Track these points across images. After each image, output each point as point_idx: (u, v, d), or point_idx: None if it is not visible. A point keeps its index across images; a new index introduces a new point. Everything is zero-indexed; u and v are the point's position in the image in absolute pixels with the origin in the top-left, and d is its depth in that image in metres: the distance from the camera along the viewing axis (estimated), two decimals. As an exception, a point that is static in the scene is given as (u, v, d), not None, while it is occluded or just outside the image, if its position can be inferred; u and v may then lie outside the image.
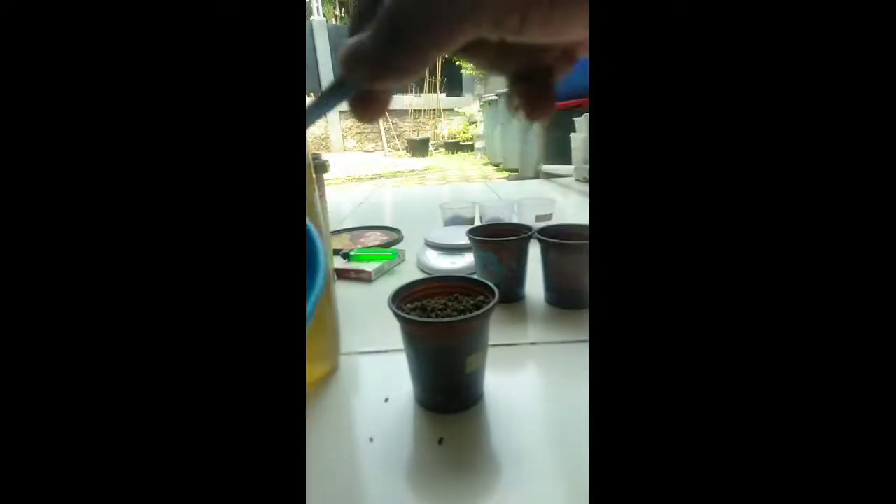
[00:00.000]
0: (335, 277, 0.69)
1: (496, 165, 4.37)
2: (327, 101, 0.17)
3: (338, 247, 0.84)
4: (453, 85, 7.55)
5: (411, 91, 7.28)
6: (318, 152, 0.54)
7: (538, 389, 0.42)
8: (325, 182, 0.55)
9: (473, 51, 0.17)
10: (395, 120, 7.37)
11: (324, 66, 6.57)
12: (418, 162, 5.48)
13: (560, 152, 2.00)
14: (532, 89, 0.17)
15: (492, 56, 0.17)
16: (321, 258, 0.21)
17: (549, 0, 0.14)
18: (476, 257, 0.61)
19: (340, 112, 6.95)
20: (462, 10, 0.13)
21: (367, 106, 0.17)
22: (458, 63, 6.63)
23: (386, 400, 0.41)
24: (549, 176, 2.01)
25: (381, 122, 7.11)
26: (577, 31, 0.15)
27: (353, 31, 0.16)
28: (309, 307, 0.18)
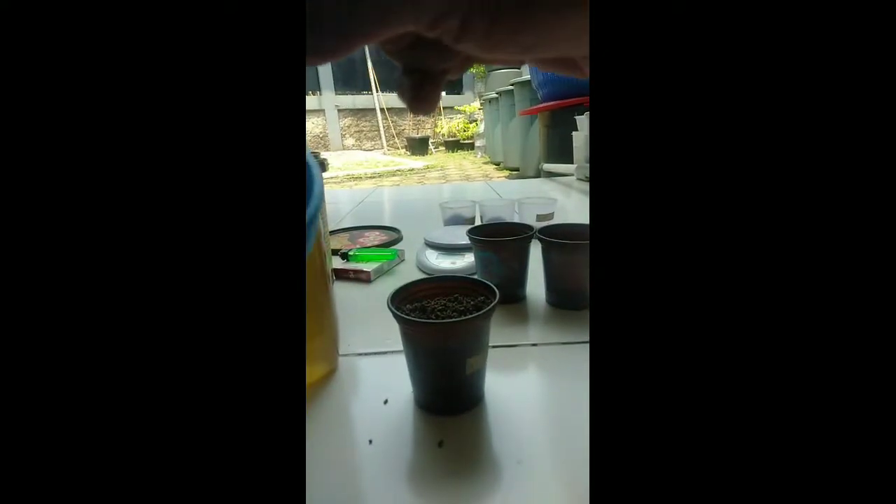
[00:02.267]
0: (334, 278, 0.69)
1: (497, 164, 4.37)
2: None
3: (336, 247, 0.83)
4: (453, 83, 7.56)
5: (411, 89, 7.27)
6: (316, 151, 0.54)
7: (539, 391, 0.41)
8: (324, 181, 0.55)
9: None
10: (395, 118, 7.37)
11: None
12: (418, 161, 5.48)
13: (562, 151, 2.00)
14: (425, 85, 0.18)
15: (402, 45, 0.17)
16: (315, 176, 0.21)
17: (490, 15, 0.14)
18: (476, 257, 0.61)
19: (340, 110, 6.96)
20: (400, 4, 0.13)
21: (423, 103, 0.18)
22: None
23: (385, 402, 0.40)
24: (550, 175, 2.01)
25: (380, 120, 7.12)
26: (512, 50, 0.15)
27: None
28: (309, 216, 0.18)
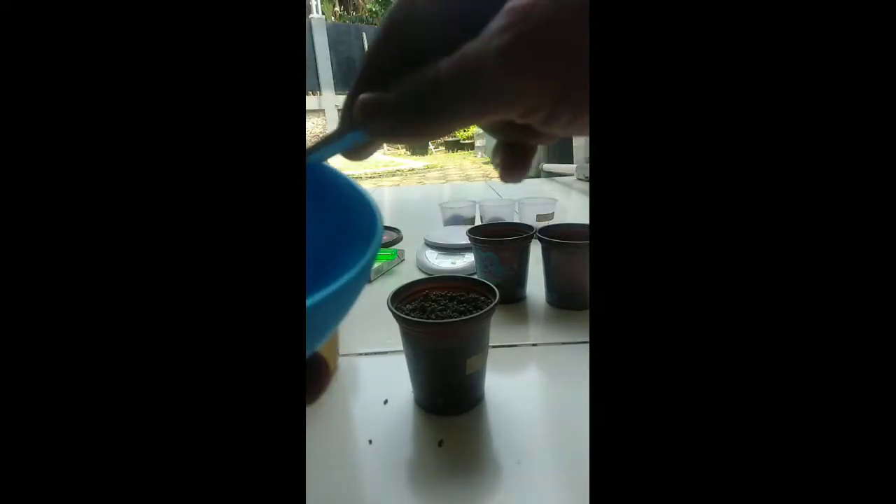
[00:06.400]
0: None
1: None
2: (327, 149, 0.19)
3: (337, 246, 0.83)
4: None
5: (411, 89, 7.26)
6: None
7: (539, 391, 0.41)
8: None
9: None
10: (395, 118, 7.35)
11: (322, 65, 6.56)
12: (418, 160, 5.48)
13: (562, 151, 2.00)
14: (515, 157, 0.20)
15: (497, 125, 0.19)
16: (377, 220, 0.19)
17: (573, 107, 0.15)
18: (476, 257, 0.61)
19: (340, 110, 6.95)
20: (501, 99, 0.15)
21: (360, 153, 0.21)
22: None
23: (385, 402, 0.40)
24: (550, 175, 2.01)
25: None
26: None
27: (367, 82, 0.18)
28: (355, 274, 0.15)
